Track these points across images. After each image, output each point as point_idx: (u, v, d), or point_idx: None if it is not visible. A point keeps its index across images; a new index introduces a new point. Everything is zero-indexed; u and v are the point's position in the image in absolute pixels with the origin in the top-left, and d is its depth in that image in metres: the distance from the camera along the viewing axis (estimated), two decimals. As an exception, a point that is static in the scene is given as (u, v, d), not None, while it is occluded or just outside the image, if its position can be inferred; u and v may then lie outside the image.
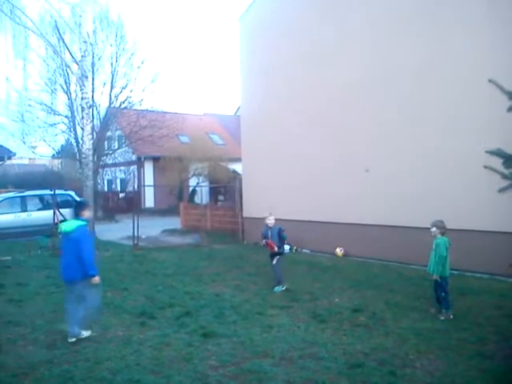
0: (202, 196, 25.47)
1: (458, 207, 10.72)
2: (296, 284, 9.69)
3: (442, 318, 7.22)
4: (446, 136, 11.14)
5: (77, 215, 6.68)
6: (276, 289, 9.21)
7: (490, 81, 5.01)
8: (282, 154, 15.30)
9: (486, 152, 5.05)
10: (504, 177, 4.87)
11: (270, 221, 9.45)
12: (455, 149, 10.93)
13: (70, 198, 19.31)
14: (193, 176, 30.13)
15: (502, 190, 4.90)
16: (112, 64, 25.37)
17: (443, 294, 7.37)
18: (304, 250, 14.19)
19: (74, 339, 6.36)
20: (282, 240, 9.53)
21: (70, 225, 6.58)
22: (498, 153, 5.04)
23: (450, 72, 11.06)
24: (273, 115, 15.57)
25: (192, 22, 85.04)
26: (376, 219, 12.63)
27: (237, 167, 24.90)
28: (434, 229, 7.43)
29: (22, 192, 19.41)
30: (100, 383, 5.10)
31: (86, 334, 6.53)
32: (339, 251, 13.37)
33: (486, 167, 5.00)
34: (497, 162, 5.02)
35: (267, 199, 15.60)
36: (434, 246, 7.38)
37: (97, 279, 6.49)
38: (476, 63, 10.47)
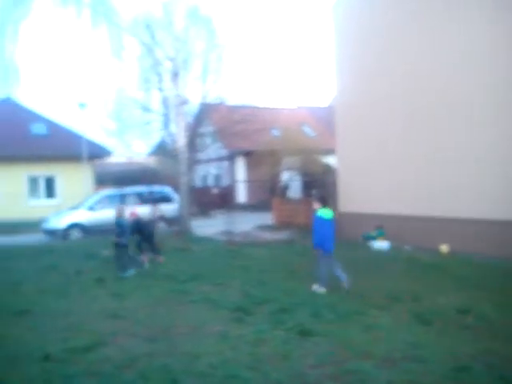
0: (294, 190, 25.25)
1: None
2: (396, 283, 9.29)
3: None
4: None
5: (323, 206, 8.84)
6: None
7: None
8: (381, 146, 14.73)
9: None
10: None
11: None
12: None
13: (166, 194, 20.03)
14: (285, 170, 29.94)
15: None
16: (203, 60, 25.75)
17: None
18: (405, 247, 13.44)
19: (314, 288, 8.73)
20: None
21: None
22: None
23: None
24: (369, 107, 15.04)
25: (283, 13, 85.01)
26: (492, 213, 11.57)
27: (329, 160, 24.45)
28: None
29: (121, 189, 20.30)
30: (200, 377, 5.12)
31: (320, 290, 8.69)
32: (444, 248, 12.60)
33: None
34: None
35: (366, 194, 15.09)
36: None
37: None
38: None
